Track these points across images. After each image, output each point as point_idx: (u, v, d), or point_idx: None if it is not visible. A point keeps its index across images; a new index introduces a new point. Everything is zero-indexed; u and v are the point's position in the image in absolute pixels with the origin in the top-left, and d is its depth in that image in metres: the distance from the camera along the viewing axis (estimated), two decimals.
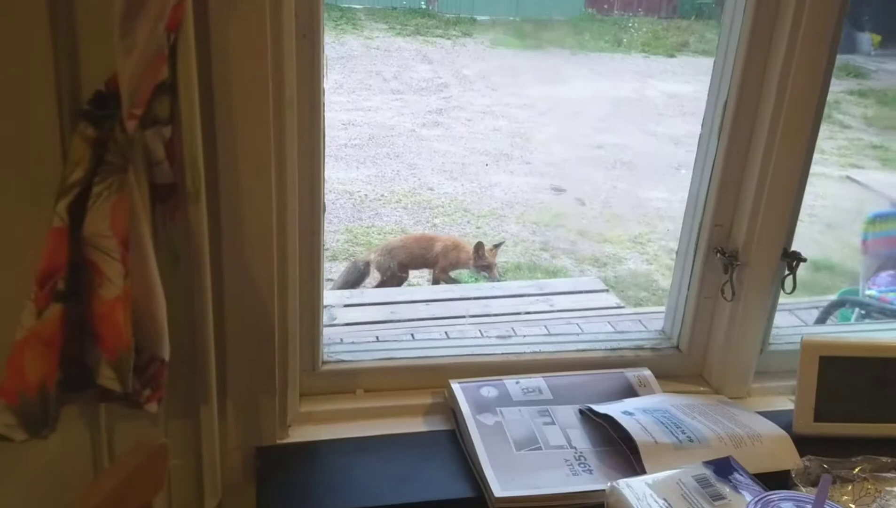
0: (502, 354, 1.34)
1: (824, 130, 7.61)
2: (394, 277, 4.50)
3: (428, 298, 3.98)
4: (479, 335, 3.05)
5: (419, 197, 6.38)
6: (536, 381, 1.30)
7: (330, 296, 4.02)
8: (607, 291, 4.25)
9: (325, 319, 1.28)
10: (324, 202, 1.22)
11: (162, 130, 0.95)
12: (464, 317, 3.78)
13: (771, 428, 1.23)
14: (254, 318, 1.14)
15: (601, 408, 1.21)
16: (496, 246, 4.49)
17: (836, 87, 11.24)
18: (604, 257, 5.76)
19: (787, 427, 1.26)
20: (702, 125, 1.32)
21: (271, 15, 1.00)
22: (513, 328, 3.66)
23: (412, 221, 5.95)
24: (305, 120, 1.11)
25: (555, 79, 10.64)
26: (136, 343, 0.98)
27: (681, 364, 1.39)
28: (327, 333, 1.29)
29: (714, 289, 1.34)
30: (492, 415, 1.21)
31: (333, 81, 9.57)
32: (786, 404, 1.36)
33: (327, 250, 5.57)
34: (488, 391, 1.26)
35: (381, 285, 4.54)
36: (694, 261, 1.34)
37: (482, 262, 4.27)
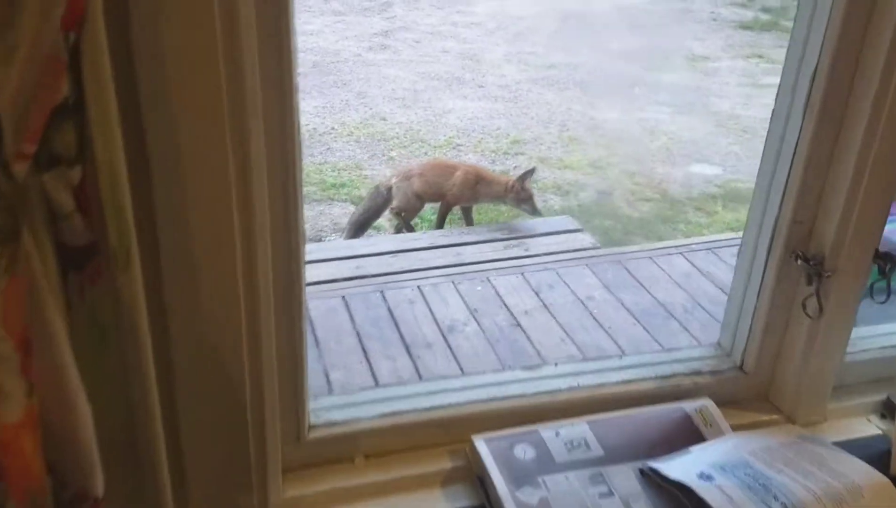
0: (533, 394, 1.07)
1: (772, 37, 7.34)
2: (411, 207, 4.23)
3: (395, 248, 3.69)
4: (498, 365, 2.81)
5: (372, 128, 6.01)
6: (580, 428, 1.04)
7: None
8: (581, 230, 4.03)
9: None
10: (303, 229, 0.91)
11: (68, 173, 0.62)
12: (436, 268, 3.51)
13: (868, 474, 1.00)
14: (216, 391, 0.85)
15: (669, 469, 0.96)
16: (528, 173, 4.22)
17: None
18: (565, 183, 5.55)
19: (878, 459, 1.04)
20: (777, 97, 1.04)
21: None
22: (489, 279, 3.42)
23: (367, 154, 5.60)
24: (275, 131, 0.80)
25: None
26: (57, 477, 0.68)
27: (746, 387, 1.14)
28: None
29: (788, 298, 1.09)
30: (533, 489, 0.95)
31: None
32: (868, 427, 1.14)
33: None
34: (523, 450, 1.00)
35: (397, 214, 4.29)
36: (766, 266, 1.08)
37: (524, 194, 4.02)
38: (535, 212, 4.15)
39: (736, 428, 1.08)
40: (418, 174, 4.23)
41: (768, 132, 1.06)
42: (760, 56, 8.43)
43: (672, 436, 1.05)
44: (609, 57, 8.15)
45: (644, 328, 3.16)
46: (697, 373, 1.13)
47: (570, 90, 7.29)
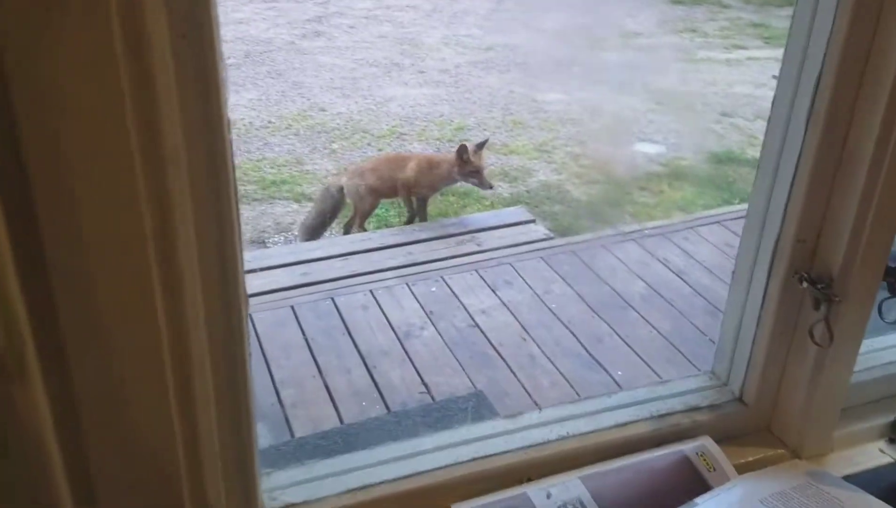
0: (519, 448, 0.95)
1: (704, 11, 7.47)
2: (366, 205, 4.04)
3: (344, 251, 3.52)
4: (459, 369, 2.68)
5: (311, 120, 5.80)
6: (573, 486, 0.92)
7: None
8: (534, 221, 3.93)
9: None
10: (245, 292, 0.76)
11: None
12: (389, 270, 3.37)
13: None
14: (147, 493, 0.70)
15: None
16: (479, 146, 4.01)
17: None
18: (512, 170, 5.45)
19: (893, 493, 0.96)
20: (774, 103, 0.93)
21: (121, 8, 0.52)
22: (443, 278, 3.29)
23: (307, 148, 5.40)
24: (201, 176, 0.65)
25: None
26: None
27: (747, 420, 1.05)
28: None
29: (791, 323, 0.99)
30: None
31: None
32: (878, 456, 1.05)
33: None
34: None
35: (354, 215, 4.05)
36: (766, 288, 0.98)
37: (469, 168, 3.83)
38: (484, 186, 4.01)
39: (740, 468, 0.98)
40: (371, 169, 4.06)
41: (764, 144, 0.95)
42: (694, 30, 8.46)
43: (674, 485, 0.94)
44: (546, 37, 8.07)
45: (604, 320, 3.08)
46: (695, 409, 1.03)
47: (511, 72, 7.19)
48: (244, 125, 5.65)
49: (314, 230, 4.09)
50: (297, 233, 4.19)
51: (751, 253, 1.00)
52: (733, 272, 1.03)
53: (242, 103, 5.99)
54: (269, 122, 5.76)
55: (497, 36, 8.04)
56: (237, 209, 0.73)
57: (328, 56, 7.14)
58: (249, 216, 4.56)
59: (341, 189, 3.98)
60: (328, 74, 6.73)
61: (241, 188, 4.31)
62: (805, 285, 0.95)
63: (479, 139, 5.81)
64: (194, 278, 0.66)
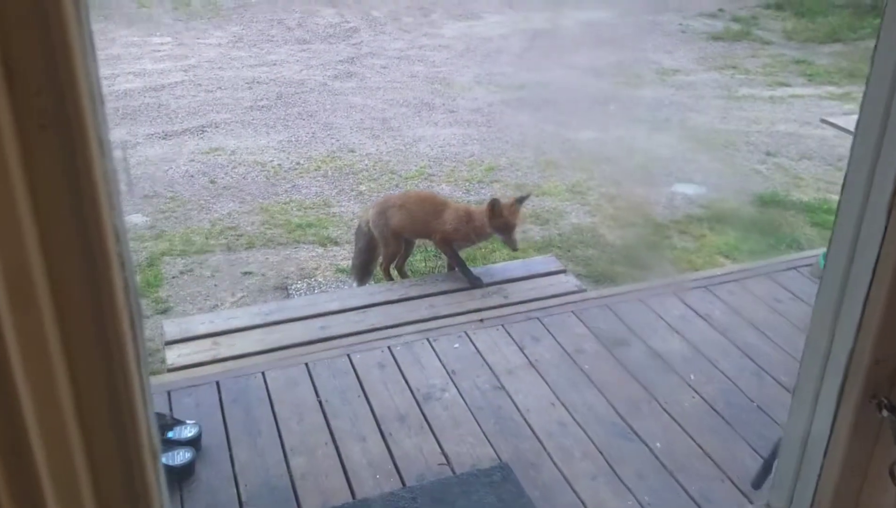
0: None
1: (745, 47, 7.29)
2: (390, 247, 3.73)
3: (363, 303, 3.36)
4: (481, 438, 2.45)
5: (339, 161, 5.71)
6: None
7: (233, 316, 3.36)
8: (565, 271, 3.72)
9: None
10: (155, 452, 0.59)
11: None
12: (409, 324, 3.18)
13: None
14: None
15: None
16: (519, 201, 3.55)
17: None
18: (544, 212, 5.27)
19: None
20: (844, 186, 0.74)
21: None
22: (467, 334, 3.10)
23: (335, 190, 5.29)
24: (78, 319, 0.49)
25: (467, 15, 9.96)
26: None
27: None
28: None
29: (865, 456, 0.78)
30: None
31: (232, 34, 8.65)
32: None
33: (241, 236, 4.93)
34: None
35: (367, 253, 3.79)
36: (836, 414, 0.78)
37: (499, 221, 3.44)
38: (511, 244, 3.57)
39: None
40: (399, 205, 3.68)
41: (833, 238, 0.75)
42: (734, 67, 8.25)
43: None
44: (579, 74, 7.94)
45: (641, 383, 2.85)
46: None
47: (543, 110, 7.06)
48: (273, 167, 5.58)
49: (360, 269, 3.86)
50: (350, 276, 4.05)
51: (816, 369, 0.80)
52: (795, 389, 0.83)
53: (272, 145, 5.94)
54: (298, 163, 5.68)
55: (530, 74, 7.93)
56: (139, 357, 0.56)
57: (359, 97, 7.08)
58: (273, 261, 4.44)
59: (368, 222, 3.73)
60: (358, 115, 6.66)
61: (266, 232, 4.20)
62: (885, 413, 0.74)
63: (512, 179, 5.69)
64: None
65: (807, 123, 6.80)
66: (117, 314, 0.54)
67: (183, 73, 7.30)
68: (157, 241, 4.54)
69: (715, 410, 2.73)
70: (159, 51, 7.89)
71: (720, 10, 10.55)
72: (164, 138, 5.89)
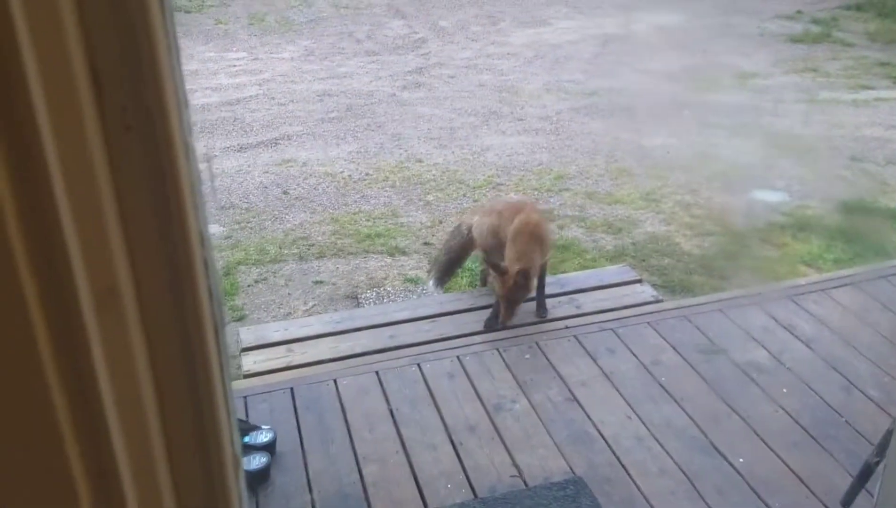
0: None
1: (825, 49, 7.02)
2: (489, 246, 3.47)
3: (433, 312, 3.34)
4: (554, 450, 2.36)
5: (408, 172, 5.74)
6: None
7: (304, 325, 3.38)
8: (640, 281, 3.63)
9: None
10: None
11: None
12: (478, 334, 3.14)
13: None
14: None
15: None
16: (523, 275, 3.11)
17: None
18: (617, 221, 5.17)
19: None
20: None
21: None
22: (538, 345, 3.05)
23: (403, 200, 5.32)
24: (162, 327, 0.48)
25: (536, 22, 9.90)
26: None
27: None
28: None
29: None
30: None
31: (304, 48, 8.82)
32: None
33: (312, 245, 4.99)
34: None
35: (457, 253, 3.59)
36: None
37: (509, 286, 3.07)
38: (505, 315, 3.20)
39: None
40: (490, 213, 3.55)
41: None
42: (815, 70, 7.96)
43: None
44: (653, 79, 7.79)
45: (721, 396, 2.75)
46: None
47: (615, 117, 6.94)
48: (343, 178, 5.65)
49: (443, 268, 3.74)
50: (430, 269, 3.96)
51: None
52: None
53: (342, 156, 6.01)
54: (367, 174, 5.73)
55: (601, 80, 7.82)
56: (222, 365, 0.55)
57: (427, 107, 7.11)
58: (344, 271, 4.48)
59: (471, 228, 3.59)
60: (426, 125, 6.69)
61: (336, 242, 4.23)
62: None
63: (582, 188, 5.59)
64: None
65: (893, 127, 6.50)
66: (201, 321, 0.53)
67: (257, 87, 7.48)
68: (233, 250, 4.64)
69: (800, 425, 2.61)
70: (235, 66, 8.10)
71: (798, 11, 10.21)
72: (239, 151, 6.03)
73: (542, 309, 3.36)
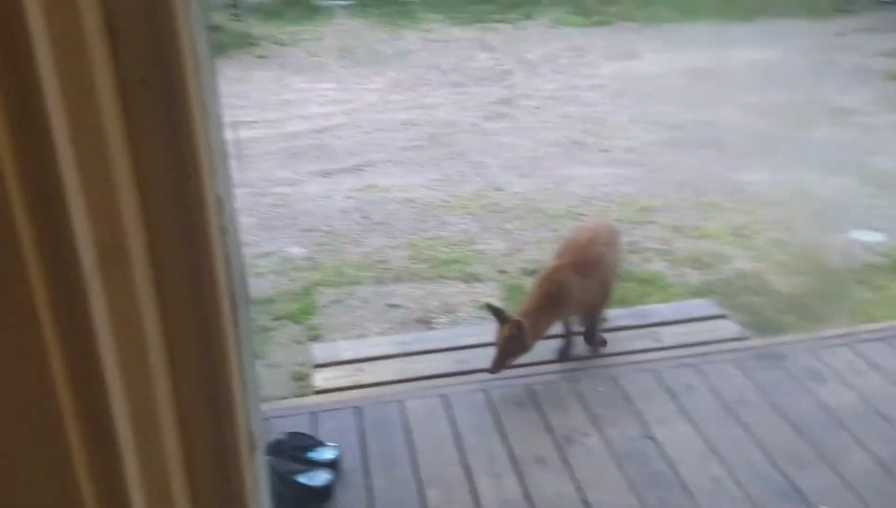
0: None
1: None
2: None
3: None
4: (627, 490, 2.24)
5: (487, 200, 5.72)
6: None
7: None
8: (725, 316, 3.47)
9: None
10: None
11: None
12: (550, 363, 3.05)
13: None
14: None
15: None
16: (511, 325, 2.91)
17: None
18: (704, 255, 4.99)
19: None
20: None
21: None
22: (614, 378, 2.94)
23: (480, 227, 5.30)
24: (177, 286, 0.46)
25: (626, 55, 9.80)
26: None
27: None
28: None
29: None
30: None
31: (390, 79, 9.00)
32: None
33: (389, 269, 5.02)
34: None
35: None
36: None
37: (509, 338, 2.88)
38: (493, 366, 2.95)
39: None
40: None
41: None
42: None
43: None
44: (746, 114, 7.56)
45: (807, 440, 2.57)
46: None
47: (705, 151, 6.75)
48: (422, 204, 5.68)
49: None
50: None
51: None
52: None
53: (423, 183, 6.06)
54: (446, 201, 5.74)
55: (690, 113, 7.65)
56: (239, 339, 0.52)
57: (510, 137, 7.11)
58: (418, 295, 4.48)
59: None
60: (508, 155, 6.67)
61: (412, 267, 4.23)
62: None
63: (669, 220, 5.43)
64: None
65: None
66: (215, 287, 0.50)
67: (345, 115, 7.66)
68: (313, 271, 4.72)
69: (891, 472, 2.41)
70: (325, 96, 8.33)
71: None
72: (323, 176, 6.17)
73: (589, 346, 3.23)
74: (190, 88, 0.46)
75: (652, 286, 4.59)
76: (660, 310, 3.53)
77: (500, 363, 2.90)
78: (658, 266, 4.83)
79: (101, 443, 0.45)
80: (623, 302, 4.18)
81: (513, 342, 2.88)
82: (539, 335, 2.94)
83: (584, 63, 9.63)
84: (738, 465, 2.48)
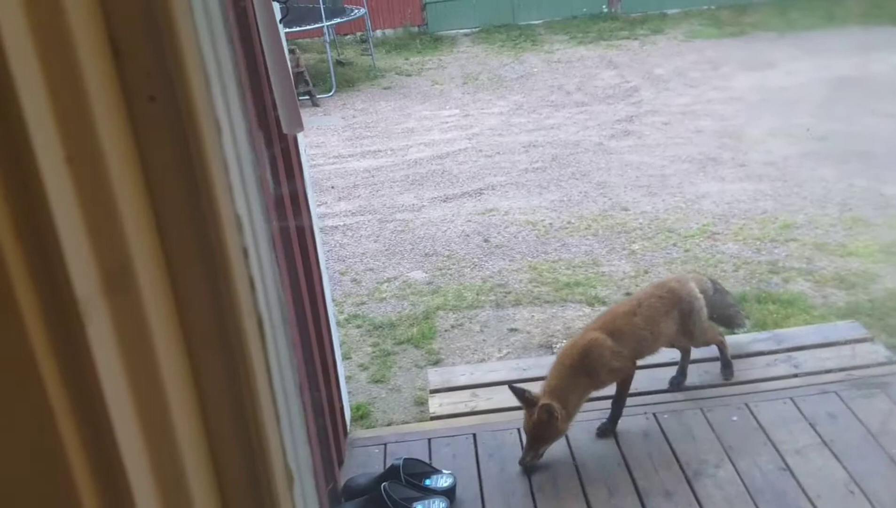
0: None
1: None
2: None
3: None
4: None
5: (611, 220, 5.56)
6: None
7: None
8: (871, 339, 3.16)
9: None
10: None
11: None
12: (681, 391, 2.87)
13: None
14: None
15: None
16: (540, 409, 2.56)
17: None
18: (850, 275, 4.61)
19: None
20: None
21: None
22: (747, 406, 2.74)
23: (605, 249, 5.14)
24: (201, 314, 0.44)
25: (762, 65, 9.32)
26: None
27: None
28: None
29: None
30: None
31: (513, 103, 9.00)
32: None
33: (509, 293, 4.97)
34: None
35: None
36: None
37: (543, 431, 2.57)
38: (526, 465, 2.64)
39: None
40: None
41: None
42: None
43: None
44: (894, 123, 6.97)
45: None
46: None
47: (850, 163, 6.27)
48: (543, 226, 5.59)
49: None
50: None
51: None
52: None
53: (544, 205, 5.97)
54: (569, 222, 5.63)
55: (834, 124, 7.15)
56: (268, 366, 0.49)
57: (636, 155, 6.90)
58: (539, 319, 4.40)
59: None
60: (634, 173, 6.47)
61: (533, 290, 4.15)
62: None
63: (811, 238, 5.07)
64: None
65: None
66: (238, 312, 0.48)
67: (467, 140, 7.71)
68: (434, 296, 4.73)
69: None
70: (447, 122, 8.44)
71: None
72: (444, 201, 6.21)
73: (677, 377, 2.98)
74: (198, 102, 0.44)
75: (793, 308, 4.29)
76: (799, 333, 3.27)
77: (531, 453, 2.58)
78: (800, 286, 4.52)
79: (111, 485, 0.43)
80: (762, 325, 3.92)
81: (544, 429, 2.54)
82: (571, 413, 2.59)
83: (718, 76, 9.25)
84: (884, 500, 2.24)
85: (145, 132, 0.43)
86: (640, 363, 2.79)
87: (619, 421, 2.76)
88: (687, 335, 2.79)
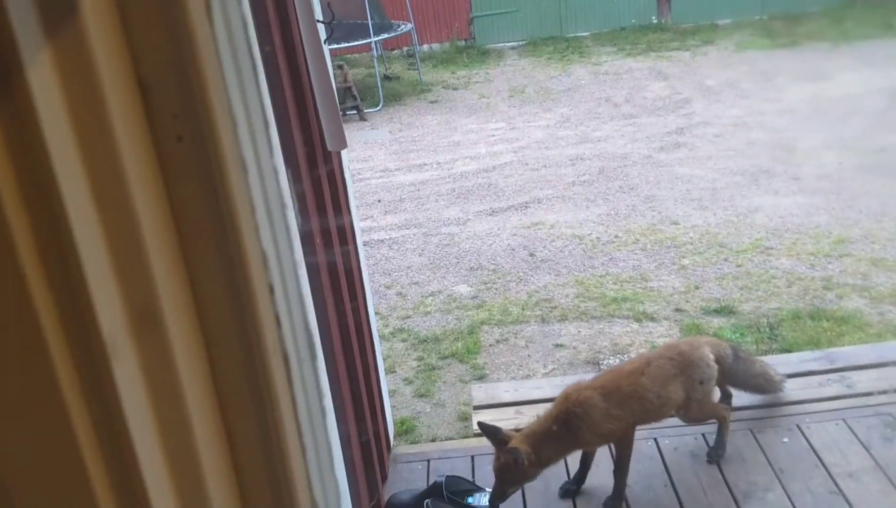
0: None
1: None
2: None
3: None
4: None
5: (660, 234, 5.48)
6: None
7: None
8: None
9: None
10: None
11: None
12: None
13: None
14: None
15: None
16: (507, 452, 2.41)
17: None
18: None
19: None
20: None
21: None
22: (798, 427, 2.66)
23: (653, 263, 5.06)
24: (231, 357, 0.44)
25: (816, 76, 9.11)
26: None
27: None
28: None
29: None
30: None
31: (560, 115, 8.95)
32: None
33: (555, 308, 4.93)
34: None
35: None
36: None
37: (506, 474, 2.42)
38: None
39: None
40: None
41: None
42: None
43: None
44: None
45: None
46: None
47: None
48: (590, 240, 5.54)
49: None
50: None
51: None
52: None
53: (591, 219, 5.92)
54: (616, 236, 5.56)
55: (890, 135, 6.95)
56: (295, 403, 0.50)
57: (686, 167, 6.79)
58: (586, 335, 4.35)
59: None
60: (684, 186, 6.37)
61: (580, 305, 4.10)
62: None
63: (867, 253, 4.92)
64: None
65: None
66: (263, 349, 0.48)
67: (513, 154, 7.69)
68: (478, 310, 4.72)
69: None
70: (493, 135, 8.44)
71: None
72: (490, 215, 6.20)
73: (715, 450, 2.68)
74: (224, 142, 0.45)
75: (848, 326, 4.16)
76: (852, 352, 3.17)
77: (499, 493, 2.42)
78: (855, 303, 4.39)
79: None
80: (815, 344, 3.81)
81: (507, 471, 2.38)
82: (545, 463, 2.40)
83: (771, 87, 9.07)
84: None
85: (173, 172, 0.44)
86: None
87: (667, 441, 2.70)
88: (683, 405, 2.51)
